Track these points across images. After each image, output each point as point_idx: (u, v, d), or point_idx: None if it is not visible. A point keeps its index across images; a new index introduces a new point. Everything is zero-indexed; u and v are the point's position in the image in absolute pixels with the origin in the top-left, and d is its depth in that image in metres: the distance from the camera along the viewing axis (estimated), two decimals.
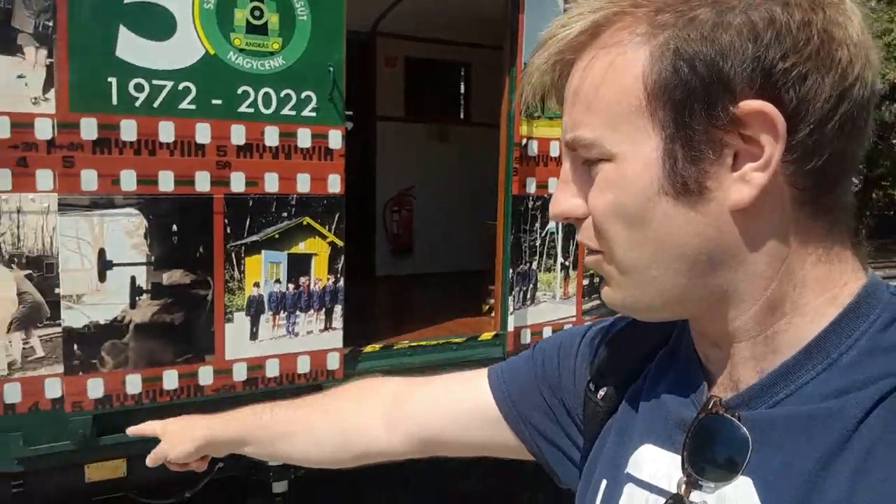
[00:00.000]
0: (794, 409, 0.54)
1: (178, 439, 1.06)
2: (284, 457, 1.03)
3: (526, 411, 0.83)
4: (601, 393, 0.72)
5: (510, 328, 3.64)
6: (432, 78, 5.97)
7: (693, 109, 0.52)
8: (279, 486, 3.46)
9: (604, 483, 0.68)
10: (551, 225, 3.73)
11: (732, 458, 0.55)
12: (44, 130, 2.68)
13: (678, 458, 0.59)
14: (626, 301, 0.60)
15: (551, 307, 3.77)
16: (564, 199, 0.60)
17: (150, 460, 1.08)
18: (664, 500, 0.59)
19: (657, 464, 0.62)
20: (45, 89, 2.68)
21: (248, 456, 1.06)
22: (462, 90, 6.25)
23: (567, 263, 3.79)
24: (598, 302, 3.89)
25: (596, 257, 0.60)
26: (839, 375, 0.53)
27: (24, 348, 2.73)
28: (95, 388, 2.81)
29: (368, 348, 3.40)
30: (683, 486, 0.58)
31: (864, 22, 0.52)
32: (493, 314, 4.07)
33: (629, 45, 0.54)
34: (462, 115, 6.28)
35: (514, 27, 3.52)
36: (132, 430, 1.15)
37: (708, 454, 0.57)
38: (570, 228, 3.71)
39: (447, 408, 0.91)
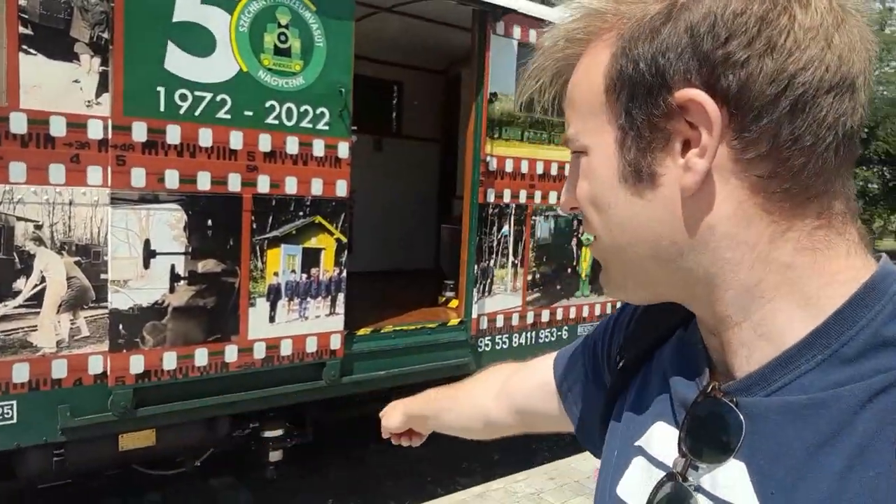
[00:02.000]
0: (789, 397, 0.54)
1: (391, 415, 1.25)
2: (446, 427, 1.20)
3: (574, 392, 0.90)
4: (620, 364, 0.77)
5: (473, 315, 4.29)
6: (372, 95, 6.49)
7: (637, 102, 0.55)
8: (275, 455, 3.87)
9: (616, 453, 0.71)
10: (505, 229, 4.43)
11: (727, 441, 0.56)
12: (96, 131, 2.98)
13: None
14: (611, 284, 0.65)
15: (503, 298, 4.47)
16: (564, 191, 0.66)
17: (383, 433, 1.29)
18: (661, 476, 0.62)
19: (665, 441, 0.64)
20: (98, 94, 2.98)
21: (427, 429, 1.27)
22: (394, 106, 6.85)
23: (516, 261, 4.51)
24: (539, 294, 4.66)
25: (594, 244, 0.64)
26: (839, 367, 0.53)
27: (70, 328, 2.99)
28: (137, 363, 3.12)
29: (361, 331, 3.91)
30: (680, 465, 0.60)
31: (830, 5, 0.52)
32: (450, 305, 4.71)
33: (601, 49, 0.58)
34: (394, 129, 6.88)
35: (481, 62, 4.19)
36: (384, 414, 1.29)
37: (704, 436, 0.58)
38: (520, 231, 4.46)
39: (529, 383, 1.02)
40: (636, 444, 0.68)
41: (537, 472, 4.37)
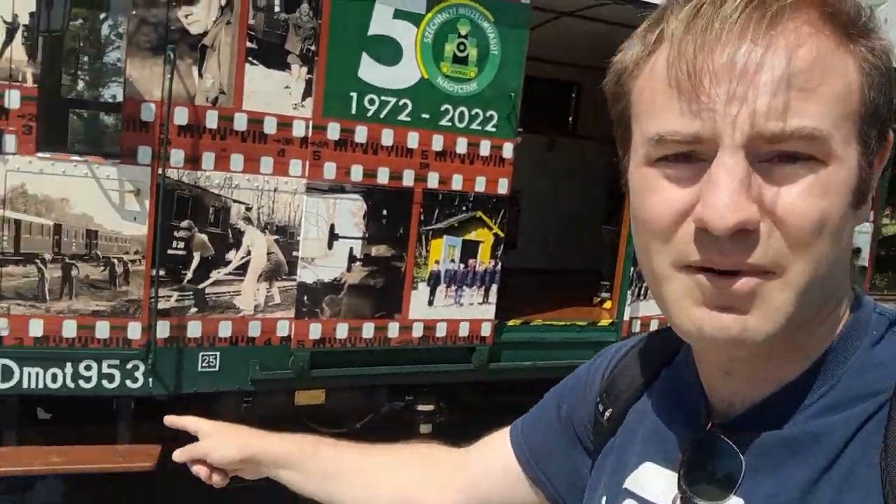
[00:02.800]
0: (785, 431, 0.55)
1: (226, 442, 0.98)
2: (331, 496, 0.96)
3: (543, 456, 0.83)
4: (607, 414, 0.74)
5: (625, 318, 4.36)
6: (548, 96, 6.67)
7: (881, 129, 0.54)
8: (425, 428, 4.24)
9: (604, 499, 0.69)
10: None
11: (726, 478, 0.56)
12: (299, 129, 3.48)
13: (675, 476, 0.61)
14: (776, 329, 0.52)
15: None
16: (744, 204, 0.49)
17: (181, 455, 0.99)
18: None
19: (657, 481, 0.63)
20: (303, 98, 3.48)
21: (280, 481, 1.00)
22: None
23: None
24: None
25: (759, 281, 0.51)
26: (831, 394, 0.55)
27: (266, 295, 3.55)
28: (315, 330, 3.62)
29: (511, 322, 4.16)
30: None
31: None
32: (604, 306, 4.80)
33: (836, 45, 0.51)
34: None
35: None
36: (171, 420, 1.05)
37: (703, 474, 0.58)
38: None
39: (484, 471, 0.90)
40: (624, 486, 0.67)
41: None
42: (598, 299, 4.91)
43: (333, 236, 3.60)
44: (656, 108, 0.54)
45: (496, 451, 0.88)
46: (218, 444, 0.97)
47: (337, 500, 0.95)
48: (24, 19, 3.05)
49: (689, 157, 0.53)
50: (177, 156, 3.27)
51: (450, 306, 3.89)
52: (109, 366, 3.28)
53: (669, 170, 0.54)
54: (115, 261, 3.25)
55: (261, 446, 0.97)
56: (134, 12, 3.17)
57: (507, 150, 3.89)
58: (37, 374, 3.18)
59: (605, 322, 4.43)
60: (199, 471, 0.98)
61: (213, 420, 1.04)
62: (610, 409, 0.74)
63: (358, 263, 3.66)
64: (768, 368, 0.57)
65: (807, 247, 0.50)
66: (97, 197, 3.19)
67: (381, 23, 3.53)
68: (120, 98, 3.23)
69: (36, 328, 3.17)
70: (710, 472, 0.58)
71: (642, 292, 4.41)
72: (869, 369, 0.54)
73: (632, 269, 4.33)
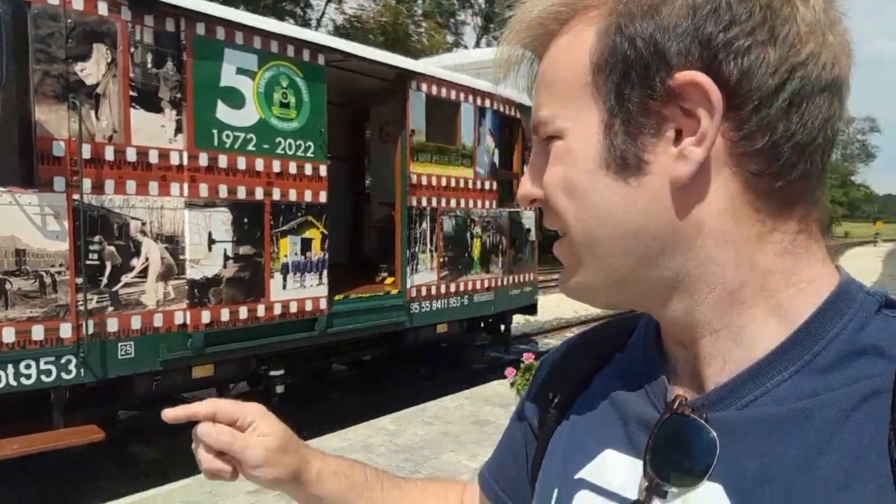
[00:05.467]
0: (766, 409, 0.51)
1: (250, 448, 0.77)
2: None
3: (512, 487, 0.78)
4: (556, 400, 0.70)
5: (407, 286, 6.09)
6: None
7: (631, 83, 0.51)
8: (279, 389, 5.38)
9: (556, 492, 0.64)
10: (423, 225, 6.29)
11: (699, 461, 0.52)
12: (175, 158, 4.46)
13: (640, 462, 0.56)
14: (577, 284, 0.59)
15: (424, 275, 6.32)
16: (526, 182, 0.60)
17: (206, 463, 0.76)
18: None
19: (618, 469, 0.59)
20: (175, 134, 4.47)
21: None
22: None
23: (432, 248, 6.39)
24: (447, 272, 6.55)
25: (560, 241, 0.59)
26: (813, 377, 0.50)
27: (164, 292, 4.41)
28: (205, 316, 4.57)
29: (337, 297, 5.56)
30: (644, 493, 0.55)
31: (825, 3, 0.51)
32: (386, 282, 6.47)
33: (584, 27, 0.54)
34: None
35: (404, 108, 6.07)
36: (174, 414, 0.76)
37: (672, 458, 0.54)
38: (433, 227, 6.34)
39: None
40: (577, 476, 0.62)
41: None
42: (380, 277, 6.57)
43: (211, 241, 4.61)
44: None
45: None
46: (247, 450, 0.76)
47: None
48: None
49: None
50: (85, 184, 4.01)
51: (297, 288, 5.16)
52: (46, 362, 3.83)
53: None
54: (44, 273, 3.84)
55: (318, 469, 0.82)
56: (38, 67, 3.86)
57: (323, 171, 5.34)
58: None
59: (394, 292, 6.10)
60: (211, 470, 0.76)
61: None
62: (558, 395, 0.70)
63: (231, 261, 4.73)
64: (717, 345, 0.55)
65: (555, 207, 0.57)
66: (22, 220, 3.78)
67: (228, 77, 4.71)
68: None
69: None
70: (681, 456, 0.53)
71: (415, 269, 6.21)
72: (857, 352, 0.50)
73: (407, 251, 6.11)
